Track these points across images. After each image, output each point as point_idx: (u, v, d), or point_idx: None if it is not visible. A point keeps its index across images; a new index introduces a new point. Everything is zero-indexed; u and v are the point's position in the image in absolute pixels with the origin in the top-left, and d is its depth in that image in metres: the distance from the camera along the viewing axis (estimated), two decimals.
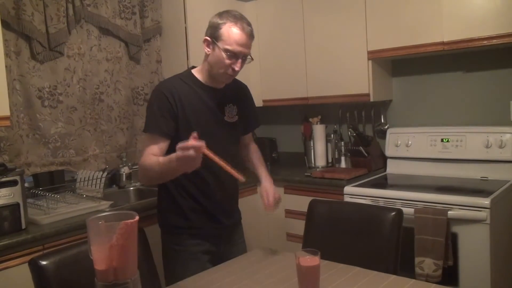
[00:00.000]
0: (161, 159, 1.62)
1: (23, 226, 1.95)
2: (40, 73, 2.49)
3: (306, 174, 2.91)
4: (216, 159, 1.41)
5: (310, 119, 3.22)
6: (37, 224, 2.03)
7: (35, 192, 2.31)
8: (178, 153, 1.42)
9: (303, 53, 3.07)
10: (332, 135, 3.19)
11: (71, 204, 2.26)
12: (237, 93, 1.92)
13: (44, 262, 1.43)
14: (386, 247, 1.76)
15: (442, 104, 2.83)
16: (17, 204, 1.93)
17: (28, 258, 1.50)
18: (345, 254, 1.74)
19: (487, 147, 2.53)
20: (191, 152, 1.39)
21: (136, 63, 2.99)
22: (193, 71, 1.85)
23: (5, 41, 2.35)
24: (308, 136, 3.23)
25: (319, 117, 3.20)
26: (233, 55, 1.70)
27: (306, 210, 2.05)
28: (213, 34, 1.72)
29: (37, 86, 2.48)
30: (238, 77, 1.92)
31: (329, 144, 3.19)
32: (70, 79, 2.60)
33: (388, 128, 3.00)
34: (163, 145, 1.71)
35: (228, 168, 1.42)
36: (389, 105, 3.07)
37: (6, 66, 2.32)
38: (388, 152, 2.93)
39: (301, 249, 1.38)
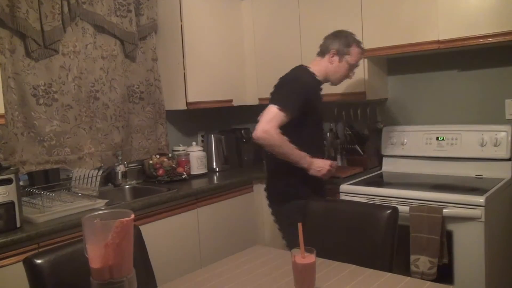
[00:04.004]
0: (296, 150, 2.08)
1: (18, 225, 1.95)
2: (35, 71, 2.48)
3: None
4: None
5: None
6: (32, 222, 2.02)
7: (30, 190, 2.30)
8: (318, 167, 2.13)
9: (299, 51, 3.07)
10: (327, 133, 3.19)
11: (67, 202, 2.26)
12: None
13: (39, 261, 1.43)
14: (382, 245, 1.77)
15: (437, 102, 2.84)
16: (12, 203, 1.92)
17: (23, 256, 1.50)
18: (340, 252, 1.74)
19: (482, 145, 2.54)
20: (327, 175, 2.15)
21: (131, 61, 2.98)
22: (311, 69, 2.30)
23: (0, 38, 2.34)
24: None
25: None
26: (354, 67, 2.28)
27: None
28: (345, 52, 2.24)
29: (32, 84, 2.47)
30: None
31: (325, 143, 3.19)
32: (65, 77, 2.59)
33: (383, 126, 3.01)
34: (287, 120, 2.07)
35: None
36: (384, 104, 3.07)
37: (0, 64, 2.32)
38: (384, 150, 2.94)
39: (297, 247, 1.38)
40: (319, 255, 1.39)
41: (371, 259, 1.70)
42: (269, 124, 2.03)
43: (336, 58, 2.25)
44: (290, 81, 2.20)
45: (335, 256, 1.67)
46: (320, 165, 2.13)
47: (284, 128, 2.06)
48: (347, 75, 2.29)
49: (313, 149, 2.17)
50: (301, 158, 2.10)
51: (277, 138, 2.03)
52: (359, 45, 2.27)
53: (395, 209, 1.82)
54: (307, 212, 2.02)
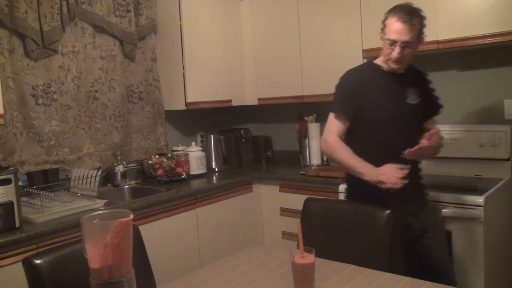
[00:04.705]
0: (353, 159, 1.88)
1: (17, 225, 1.94)
2: (34, 71, 2.48)
3: (301, 172, 2.92)
4: None
5: (305, 118, 3.23)
6: (31, 222, 2.02)
7: (29, 190, 2.29)
8: (374, 174, 1.79)
9: (298, 52, 3.07)
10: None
11: (66, 202, 2.26)
12: (418, 78, 2.09)
13: (38, 261, 1.43)
14: (381, 245, 1.76)
15: None
16: (11, 203, 1.92)
17: (22, 257, 1.50)
18: (340, 252, 1.74)
19: (481, 145, 2.54)
20: (387, 183, 1.75)
21: (131, 61, 2.98)
22: (376, 60, 2.04)
23: None
24: (303, 135, 3.24)
25: (314, 115, 3.20)
26: (392, 43, 1.87)
27: (301, 209, 2.05)
28: (382, 27, 1.92)
29: (31, 84, 2.46)
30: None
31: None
32: (64, 77, 2.59)
33: None
34: (346, 125, 1.97)
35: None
36: None
37: None
38: None
39: (296, 247, 1.38)
40: (318, 255, 1.39)
41: (370, 259, 1.70)
42: (327, 133, 1.98)
43: (381, 39, 1.95)
44: (338, 83, 2.04)
45: (335, 256, 1.67)
46: (383, 174, 1.78)
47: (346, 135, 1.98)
48: (388, 54, 1.91)
49: (369, 155, 1.87)
50: (355, 166, 1.86)
51: (333, 144, 1.93)
52: (394, 14, 1.86)
53: (394, 209, 1.82)
54: (306, 213, 2.02)
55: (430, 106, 2.09)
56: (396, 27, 1.84)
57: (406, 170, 1.75)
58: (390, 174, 1.77)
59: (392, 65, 1.94)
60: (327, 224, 1.94)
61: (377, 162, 1.85)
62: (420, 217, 1.97)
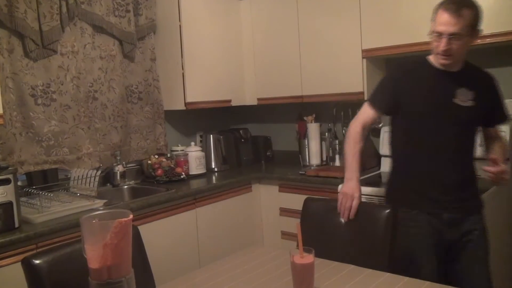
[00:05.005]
0: (351, 162, 1.98)
1: (16, 225, 1.94)
2: (33, 71, 2.47)
3: (300, 172, 2.92)
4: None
5: (305, 118, 3.23)
6: (31, 223, 2.02)
7: (28, 190, 2.29)
8: (346, 190, 1.91)
9: (298, 52, 3.07)
10: (326, 133, 3.20)
11: (65, 202, 2.25)
12: (477, 80, 1.87)
13: (37, 261, 1.43)
14: (380, 245, 1.76)
15: None
16: (10, 203, 1.92)
17: (21, 257, 1.50)
18: (339, 252, 1.74)
19: (481, 145, 2.54)
20: (338, 207, 1.91)
21: (130, 61, 2.98)
22: (429, 56, 1.89)
23: None
24: (302, 135, 3.24)
25: (314, 115, 3.20)
26: (439, 35, 1.73)
27: (300, 208, 2.04)
28: (432, 19, 1.77)
29: (30, 84, 2.46)
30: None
31: (323, 143, 3.19)
32: (63, 77, 2.59)
33: (382, 126, 3.01)
34: (375, 115, 1.98)
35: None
36: None
37: None
38: (382, 150, 2.94)
39: (296, 247, 1.38)
40: (318, 255, 1.39)
41: (369, 259, 1.70)
42: (355, 119, 2.02)
43: (430, 32, 1.80)
44: (385, 74, 2.05)
45: (334, 256, 1.67)
46: (344, 191, 1.92)
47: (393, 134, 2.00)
48: (436, 48, 1.76)
49: (408, 151, 1.90)
50: (346, 168, 1.98)
51: (350, 136, 2.00)
52: (444, 6, 1.72)
53: (393, 209, 1.82)
54: (305, 213, 2.02)
55: (491, 113, 1.90)
56: (443, 19, 1.70)
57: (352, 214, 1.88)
58: (345, 205, 1.89)
59: (441, 60, 1.77)
60: (327, 224, 1.94)
61: (414, 159, 1.88)
62: (457, 227, 1.82)
